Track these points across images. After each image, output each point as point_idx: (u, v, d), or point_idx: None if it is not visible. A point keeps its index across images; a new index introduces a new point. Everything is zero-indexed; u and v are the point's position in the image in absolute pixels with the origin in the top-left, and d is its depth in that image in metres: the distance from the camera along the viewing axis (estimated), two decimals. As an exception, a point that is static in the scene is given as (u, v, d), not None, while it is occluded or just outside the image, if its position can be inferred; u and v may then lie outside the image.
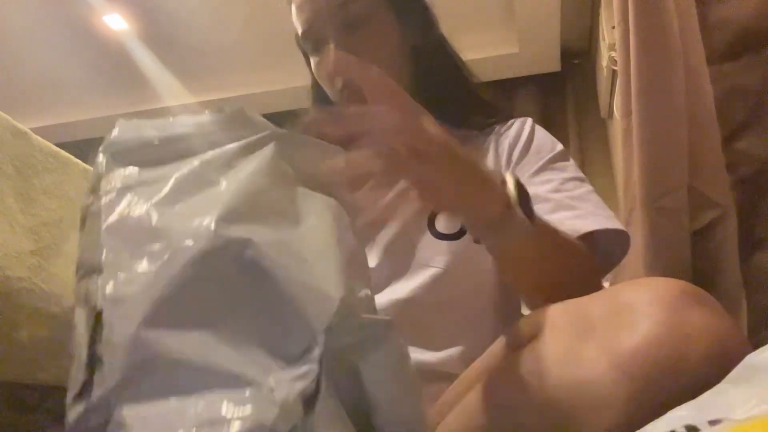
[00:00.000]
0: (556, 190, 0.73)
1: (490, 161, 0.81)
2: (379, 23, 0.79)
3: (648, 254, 0.80)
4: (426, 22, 0.85)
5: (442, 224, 0.74)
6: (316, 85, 0.88)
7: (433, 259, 0.72)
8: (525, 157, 0.79)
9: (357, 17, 0.77)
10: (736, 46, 0.58)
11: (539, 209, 0.70)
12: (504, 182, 0.52)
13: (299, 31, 0.82)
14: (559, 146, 0.80)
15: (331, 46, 0.77)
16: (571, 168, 0.78)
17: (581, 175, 0.78)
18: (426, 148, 0.45)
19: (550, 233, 0.57)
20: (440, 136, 0.46)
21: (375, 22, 0.78)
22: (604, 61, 1.70)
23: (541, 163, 0.77)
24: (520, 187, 0.52)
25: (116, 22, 2.30)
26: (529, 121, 0.85)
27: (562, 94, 2.34)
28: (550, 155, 0.78)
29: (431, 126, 0.46)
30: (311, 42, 0.81)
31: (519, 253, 0.55)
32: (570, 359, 0.41)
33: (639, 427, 0.32)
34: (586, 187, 0.75)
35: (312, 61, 0.84)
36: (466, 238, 0.74)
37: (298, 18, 0.81)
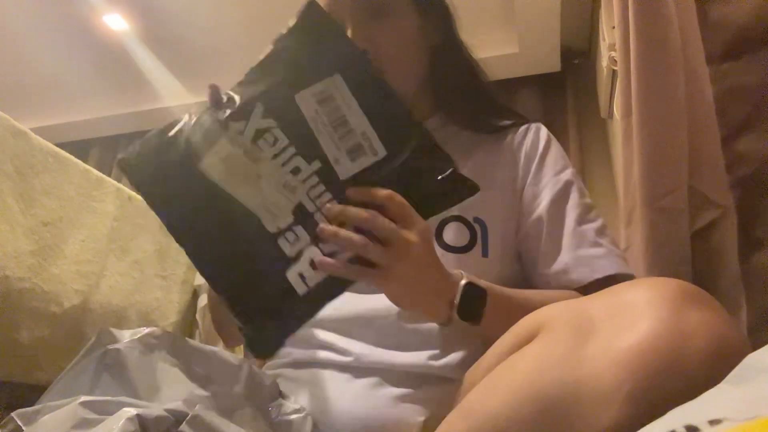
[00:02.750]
0: (579, 222, 0.76)
1: (505, 165, 0.81)
2: (402, 17, 0.79)
3: (648, 254, 0.80)
4: (446, 24, 0.85)
5: (450, 236, 0.74)
6: None
7: None
8: (541, 170, 0.80)
9: (379, 8, 0.77)
10: (736, 46, 0.58)
11: (559, 242, 0.76)
12: (456, 289, 0.62)
13: None
14: (570, 166, 0.82)
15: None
16: (581, 190, 0.80)
17: (588, 197, 0.81)
18: (397, 266, 0.55)
19: (503, 316, 0.61)
20: (418, 255, 0.56)
21: (396, 16, 0.78)
22: (604, 61, 1.70)
23: (559, 186, 0.79)
24: (473, 290, 0.63)
25: (116, 22, 2.30)
26: (543, 130, 0.85)
27: (562, 94, 2.34)
28: (568, 178, 0.79)
29: (419, 243, 0.56)
30: None
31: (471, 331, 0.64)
32: (570, 358, 0.41)
33: (639, 425, 0.32)
34: (600, 219, 0.78)
35: None
36: (474, 251, 0.73)
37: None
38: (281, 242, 0.58)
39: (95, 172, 1.09)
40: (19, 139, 0.93)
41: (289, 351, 0.74)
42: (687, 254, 0.76)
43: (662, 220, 0.77)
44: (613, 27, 1.28)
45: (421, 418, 0.63)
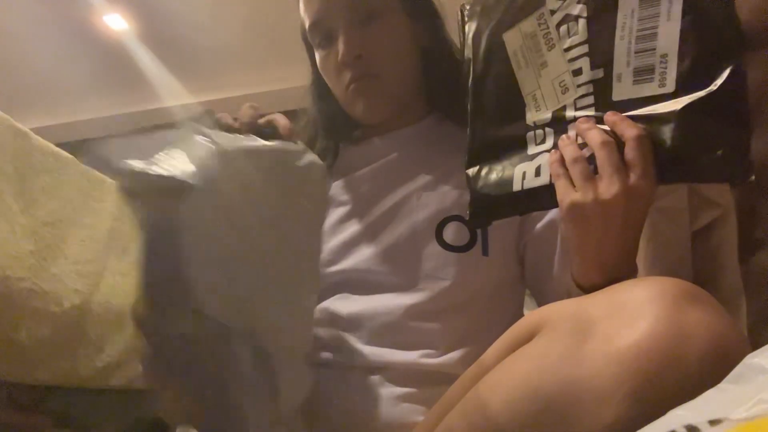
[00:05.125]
0: None
1: None
2: (390, 20, 0.79)
3: (648, 254, 0.79)
4: (435, 24, 0.84)
5: (450, 235, 0.74)
6: (317, 81, 0.87)
7: (441, 271, 0.72)
8: None
9: (369, 12, 0.76)
10: (736, 46, 0.58)
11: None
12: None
13: (307, 24, 0.80)
14: None
15: (341, 38, 0.76)
16: None
17: None
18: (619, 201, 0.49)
19: None
20: (613, 214, 0.50)
21: (386, 18, 0.78)
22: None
23: None
24: None
25: (116, 22, 2.30)
26: None
27: (562, 94, 2.34)
28: None
29: (622, 203, 0.49)
30: (320, 35, 0.80)
31: None
32: (570, 356, 0.41)
33: (638, 424, 0.32)
34: None
35: (318, 54, 0.82)
36: (474, 250, 0.73)
37: (307, 10, 0.80)
38: (529, 136, 0.59)
39: (95, 172, 1.09)
40: (19, 139, 0.93)
41: (290, 351, 0.74)
42: (687, 254, 0.76)
43: (662, 220, 0.77)
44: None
45: (422, 418, 0.63)
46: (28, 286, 0.90)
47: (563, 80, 0.56)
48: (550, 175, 0.55)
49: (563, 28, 0.56)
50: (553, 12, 0.57)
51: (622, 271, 0.54)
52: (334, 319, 0.72)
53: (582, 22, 0.54)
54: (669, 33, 0.49)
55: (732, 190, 0.63)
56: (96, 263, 1.07)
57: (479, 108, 0.65)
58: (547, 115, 0.58)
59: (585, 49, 0.54)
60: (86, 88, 2.64)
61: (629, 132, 0.50)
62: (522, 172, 0.58)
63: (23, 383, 0.91)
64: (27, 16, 2.26)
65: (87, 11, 2.23)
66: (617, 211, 0.50)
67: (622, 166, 0.49)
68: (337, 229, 0.79)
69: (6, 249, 0.85)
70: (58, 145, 1.00)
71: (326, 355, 0.71)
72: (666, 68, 0.49)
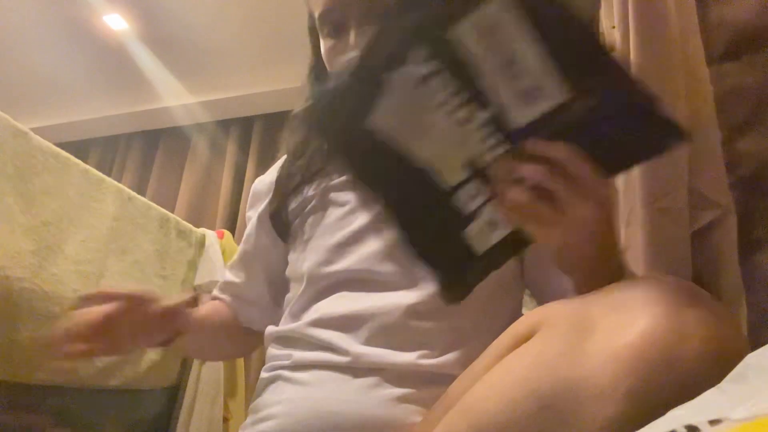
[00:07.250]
0: None
1: None
2: None
3: (648, 254, 0.80)
4: None
5: None
6: (316, 66, 0.87)
7: None
8: None
9: (383, 5, 0.75)
10: (736, 46, 0.58)
11: None
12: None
13: (316, 12, 0.79)
14: None
15: (353, 31, 0.75)
16: None
17: None
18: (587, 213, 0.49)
19: None
20: (584, 225, 0.50)
21: None
22: (604, 61, 1.70)
23: None
24: None
25: (116, 22, 2.30)
26: None
27: (562, 94, 2.34)
28: None
29: (587, 215, 0.50)
30: (330, 25, 0.78)
31: None
32: (569, 355, 0.41)
33: (637, 423, 0.32)
34: None
35: (325, 43, 0.81)
36: None
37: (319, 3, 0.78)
38: (455, 199, 0.54)
39: (95, 172, 1.09)
40: (19, 139, 0.93)
41: (289, 353, 0.74)
42: (687, 254, 0.76)
43: (662, 220, 0.77)
44: (613, 27, 1.28)
45: (420, 419, 0.63)
46: (28, 286, 0.90)
47: (459, 132, 0.52)
48: (507, 222, 0.53)
49: (427, 88, 0.51)
50: (405, 79, 0.52)
51: (619, 270, 0.55)
52: (332, 319, 0.72)
53: (445, 74, 0.51)
54: (529, 49, 0.48)
55: (732, 190, 0.63)
56: (96, 263, 1.07)
57: (395, 216, 0.59)
58: (463, 173, 0.54)
59: (464, 96, 0.51)
60: (86, 88, 2.64)
61: (552, 152, 0.49)
62: (476, 234, 0.55)
63: (23, 383, 0.91)
64: (27, 16, 2.26)
65: (87, 11, 2.23)
66: (596, 225, 0.50)
67: (571, 185, 0.49)
68: (336, 227, 0.79)
69: (6, 249, 0.85)
70: (58, 145, 1.00)
71: (324, 355, 0.71)
72: (549, 79, 0.48)
